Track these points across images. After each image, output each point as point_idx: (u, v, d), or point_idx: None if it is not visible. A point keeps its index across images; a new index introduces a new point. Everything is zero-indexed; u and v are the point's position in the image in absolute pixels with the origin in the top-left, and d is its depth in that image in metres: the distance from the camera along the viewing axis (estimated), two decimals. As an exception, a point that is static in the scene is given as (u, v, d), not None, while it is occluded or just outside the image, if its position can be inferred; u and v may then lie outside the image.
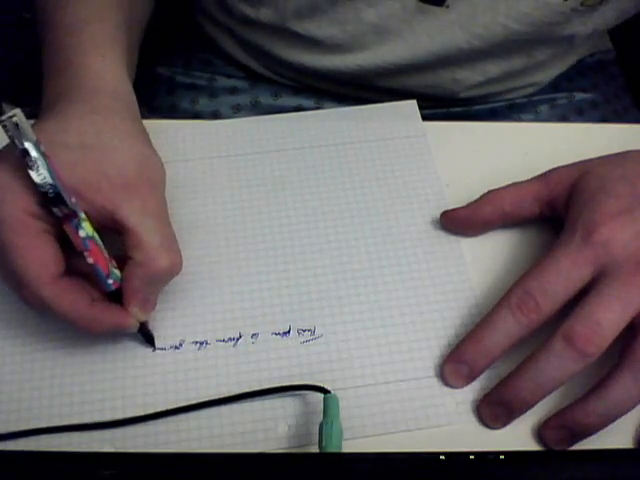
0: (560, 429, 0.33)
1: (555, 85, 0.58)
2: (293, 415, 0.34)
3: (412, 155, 0.45)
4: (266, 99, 0.58)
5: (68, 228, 0.33)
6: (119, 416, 0.34)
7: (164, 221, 0.35)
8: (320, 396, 0.33)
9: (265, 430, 0.34)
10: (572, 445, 0.33)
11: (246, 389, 0.35)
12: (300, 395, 0.35)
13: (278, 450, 0.33)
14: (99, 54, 0.39)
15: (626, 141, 0.39)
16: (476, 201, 0.40)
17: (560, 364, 0.32)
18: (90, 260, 0.33)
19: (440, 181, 0.43)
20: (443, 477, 0.26)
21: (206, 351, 0.36)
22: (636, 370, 0.32)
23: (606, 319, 0.32)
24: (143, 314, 0.34)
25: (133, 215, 0.33)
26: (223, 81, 0.58)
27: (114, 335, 0.36)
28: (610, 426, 0.32)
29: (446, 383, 0.35)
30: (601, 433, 0.32)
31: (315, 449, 0.31)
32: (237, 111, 0.57)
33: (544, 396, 0.33)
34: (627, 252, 0.33)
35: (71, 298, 0.33)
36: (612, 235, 0.33)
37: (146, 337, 0.36)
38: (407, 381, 0.35)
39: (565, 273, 0.33)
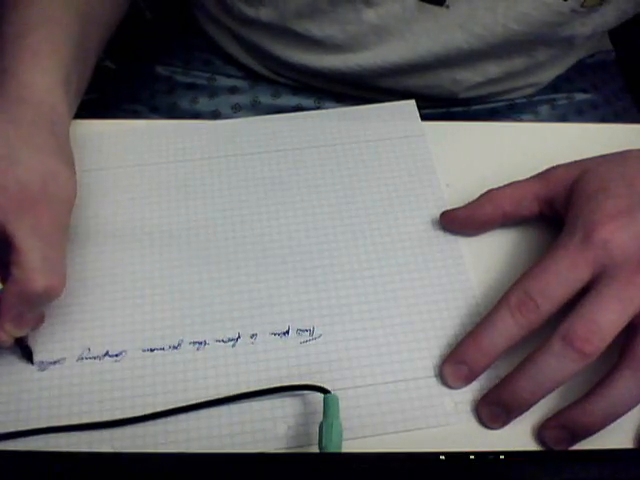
0: (560, 429, 0.33)
1: (555, 86, 0.58)
2: (293, 415, 0.34)
3: (411, 155, 0.45)
4: (266, 99, 0.58)
5: None
6: (118, 416, 0.34)
7: (54, 242, 0.34)
8: (320, 396, 0.33)
9: (264, 430, 0.34)
10: (572, 445, 0.33)
11: (245, 389, 0.35)
12: (300, 395, 0.35)
13: (278, 450, 0.33)
14: (34, 63, 0.38)
15: (626, 141, 0.39)
16: (475, 201, 0.40)
17: (559, 364, 0.32)
18: None
19: (439, 181, 0.43)
20: (443, 477, 0.26)
21: (205, 351, 0.36)
22: (636, 370, 0.32)
23: (605, 319, 0.32)
24: (17, 330, 0.34)
25: (20, 232, 0.33)
26: (223, 81, 0.58)
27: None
28: (610, 426, 0.32)
29: (445, 384, 0.35)
30: (601, 433, 0.32)
31: (315, 449, 0.31)
32: (237, 111, 0.57)
33: (543, 396, 0.33)
34: (626, 252, 0.33)
35: None
36: (612, 236, 0.33)
37: (23, 351, 0.36)
38: (406, 381, 0.35)
39: (564, 274, 0.33)
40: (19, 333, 0.34)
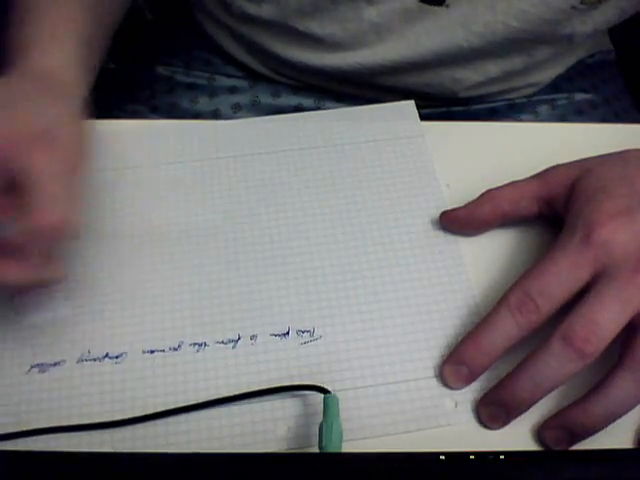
0: (560, 429, 0.33)
1: (555, 85, 0.58)
2: (293, 416, 0.34)
3: (410, 155, 0.45)
4: (266, 98, 0.58)
5: None
6: (118, 417, 0.34)
7: (64, 181, 0.34)
8: (320, 397, 0.33)
9: (265, 432, 0.34)
10: (572, 445, 0.33)
11: (245, 391, 0.35)
12: (300, 396, 0.35)
13: (278, 451, 0.33)
14: (51, 41, 0.39)
15: (626, 141, 0.39)
16: (475, 201, 0.40)
17: (559, 364, 0.32)
18: None
19: (439, 181, 0.43)
20: (443, 477, 0.26)
21: (205, 353, 0.36)
22: (636, 370, 0.32)
23: (605, 319, 0.32)
24: (34, 272, 0.34)
25: (32, 168, 0.33)
26: (223, 80, 0.58)
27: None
28: (610, 426, 0.32)
29: (446, 384, 0.35)
30: (601, 433, 0.32)
31: (315, 450, 0.31)
32: (237, 110, 0.57)
33: (543, 396, 0.33)
34: (626, 253, 0.33)
35: None
36: (611, 236, 0.33)
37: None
38: (407, 382, 0.35)
39: (564, 274, 0.33)
40: (36, 276, 0.34)
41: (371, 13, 0.48)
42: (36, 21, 0.40)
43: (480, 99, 0.57)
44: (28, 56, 0.39)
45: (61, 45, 0.40)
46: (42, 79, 0.38)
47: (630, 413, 0.32)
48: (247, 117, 0.49)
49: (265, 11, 0.51)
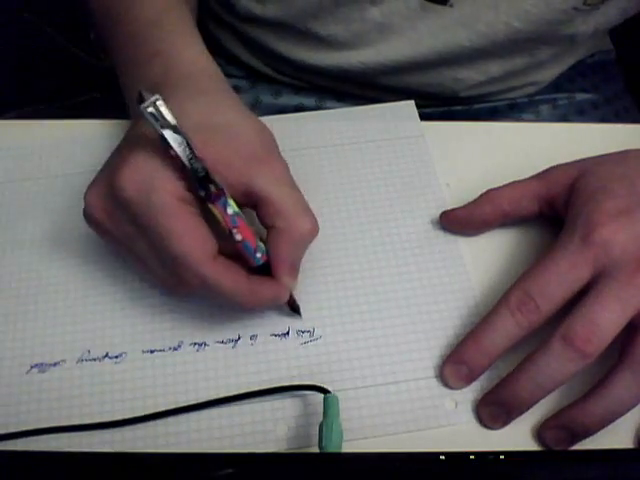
0: (560, 429, 0.33)
1: (556, 85, 0.58)
2: (293, 417, 0.34)
3: (410, 155, 0.45)
4: (267, 98, 0.58)
5: (216, 208, 0.32)
6: (118, 417, 0.34)
7: (294, 185, 0.35)
8: (320, 397, 0.33)
9: (265, 432, 0.34)
10: (572, 445, 0.33)
11: (245, 391, 0.35)
12: (300, 396, 0.35)
13: (278, 451, 0.33)
14: (185, 41, 0.40)
15: (626, 141, 0.39)
16: (475, 200, 0.40)
17: (559, 364, 0.32)
18: (239, 237, 0.33)
19: (439, 181, 0.43)
20: (443, 477, 0.26)
21: (205, 353, 0.36)
22: (636, 370, 0.32)
23: (605, 319, 0.32)
24: (292, 282, 0.35)
25: (268, 184, 0.33)
26: (224, 80, 0.58)
27: (260, 310, 0.37)
28: (610, 426, 0.32)
29: (446, 384, 0.35)
30: (601, 433, 0.32)
31: (315, 450, 0.31)
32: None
33: (543, 396, 0.33)
34: (626, 253, 0.33)
35: (231, 274, 0.33)
36: (611, 236, 0.33)
37: (292, 307, 0.37)
38: (407, 382, 0.35)
39: (564, 274, 0.33)
40: (294, 285, 0.35)
41: (374, 13, 0.48)
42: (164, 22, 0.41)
43: (481, 99, 0.57)
44: (177, 60, 0.39)
45: (193, 41, 0.41)
46: (206, 79, 0.38)
47: (630, 413, 0.32)
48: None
49: (269, 11, 0.51)
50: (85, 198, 0.34)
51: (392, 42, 0.50)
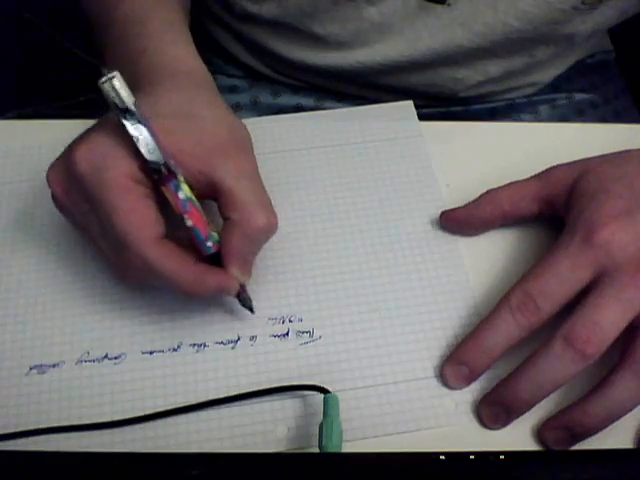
0: (560, 429, 0.33)
1: (555, 85, 0.58)
2: (293, 417, 0.34)
3: (409, 155, 0.45)
4: (266, 98, 0.58)
5: (167, 191, 0.32)
6: (118, 417, 0.34)
7: (258, 182, 0.35)
8: (320, 398, 0.33)
9: (265, 432, 0.34)
10: (572, 445, 0.33)
11: (245, 391, 0.35)
12: (300, 397, 0.35)
13: (278, 451, 0.33)
14: (171, 39, 0.40)
15: (626, 141, 0.39)
16: (475, 201, 0.40)
17: (560, 365, 0.32)
18: (189, 223, 0.33)
19: (438, 181, 0.43)
20: (443, 477, 0.26)
21: (204, 353, 0.36)
22: (636, 370, 0.32)
23: (606, 320, 0.32)
24: (243, 275, 0.34)
25: (229, 176, 0.33)
26: (223, 80, 0.58)
27: (210, 301, 0.37)
28: (610, 426, 0.32)
29: (446, 384, 0.35)
30: (601, 433, 0.32)
31: (315, 451, 0.31)
32: (237, 110, 0.57)
33: (544, 397, 0.33)
34: (627, 253, 0.33)
35: (175, 258, 0.33)
36: (612, 236, 0.33)
37: (243, 302, 0.36)
38: (407, 382, 0.35)
39: (565, 275, 0.33)
40: (244, 279, 0.35)
41: (372, 12, 0.48)
42: (152, 18, 0.41)
43: (480, 99, 0.57)
44: (162, 58, 0.39)
45: (187, 38, 0.41)
46: (188, 76, 0.38)
47: (630, 413, 0.32)
48: (247, 117, 0.49)
49: (266, 10, 0.51)
50: (47, 175, 0.34)
51: (390, 42, 0.50)
